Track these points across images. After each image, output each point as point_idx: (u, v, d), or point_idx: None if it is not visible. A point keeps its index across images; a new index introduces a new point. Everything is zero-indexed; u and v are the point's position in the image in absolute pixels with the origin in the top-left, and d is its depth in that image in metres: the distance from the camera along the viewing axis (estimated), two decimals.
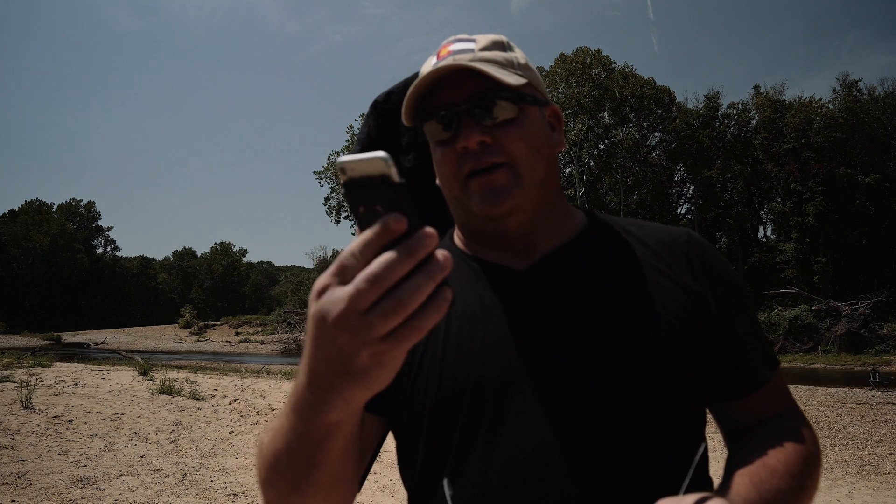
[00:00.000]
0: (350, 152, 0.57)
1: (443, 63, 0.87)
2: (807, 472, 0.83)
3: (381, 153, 0.51)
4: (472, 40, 0.92)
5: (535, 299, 0.88)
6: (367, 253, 0.51)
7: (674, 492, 0.82)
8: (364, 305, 0.50)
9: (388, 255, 0.50)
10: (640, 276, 0.89)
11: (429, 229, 0.51)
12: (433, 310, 0.51)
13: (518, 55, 0.94)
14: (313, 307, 0.54)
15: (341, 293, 0.51)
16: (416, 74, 0.96)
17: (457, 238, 1.02)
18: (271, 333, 45.63)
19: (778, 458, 0.82)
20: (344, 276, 0.52)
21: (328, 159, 43.89)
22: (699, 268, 0.92)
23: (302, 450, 0.65)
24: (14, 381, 9.77)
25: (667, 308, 0.87)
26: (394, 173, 0.51)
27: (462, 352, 0.87)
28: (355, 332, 0.51)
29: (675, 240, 0.94)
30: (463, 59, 0.87)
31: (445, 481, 0.84)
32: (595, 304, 0.86)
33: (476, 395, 0.84)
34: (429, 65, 0.93)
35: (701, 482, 0.88)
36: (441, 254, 0.51)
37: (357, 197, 0.52)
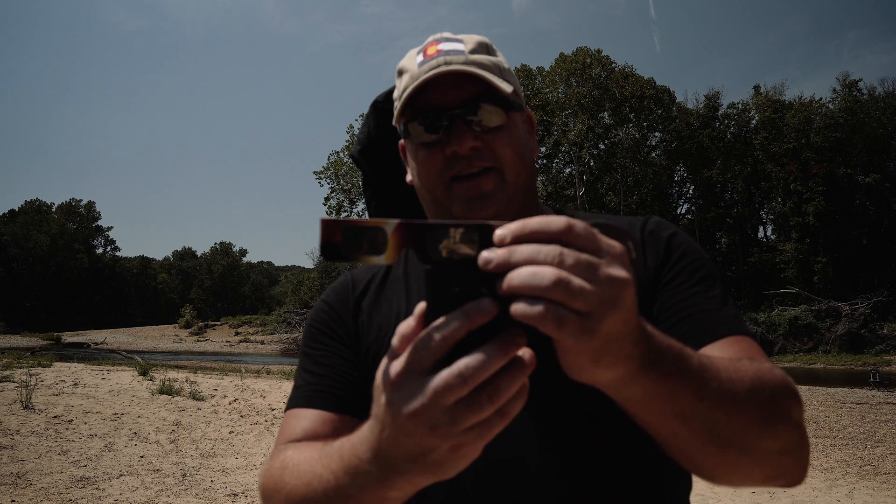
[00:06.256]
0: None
1: (439, 67, 0.87)
2: (766, 382, 0.66)
3: None
4: (460, 40, 0.92)
5: None
6: (453, 338, 0.47)
7: (652, 497, 0.82)
8: (451, 401, 0.47)
9: (481, 354, 0.46)
10: None
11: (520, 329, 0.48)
12: (519, 397, 0.49)
13: (502, 59, 0.95)
14: (389, 396, 0.50)
15: (425, 387, 0.47)
16: (401, 72, 0.95)
17: None
18: (271, 333, 45.62)
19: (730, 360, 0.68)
20: (421, 362, 0.48)
21: (328, 159, 43.86)
22: (654, 251, 0.91)
23: None
24: (14, 381, 9.76)
25: None
26: None
27: None
28: (438, 427, 0.48)
29: (632, 230, 0.94)
30: (457, 61, 0.87)
31: None
32: None
33: None
34: (412, 60, 0.92)
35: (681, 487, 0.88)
36: (528, 352, 0.49)
37: (452, 277, 0.49)
